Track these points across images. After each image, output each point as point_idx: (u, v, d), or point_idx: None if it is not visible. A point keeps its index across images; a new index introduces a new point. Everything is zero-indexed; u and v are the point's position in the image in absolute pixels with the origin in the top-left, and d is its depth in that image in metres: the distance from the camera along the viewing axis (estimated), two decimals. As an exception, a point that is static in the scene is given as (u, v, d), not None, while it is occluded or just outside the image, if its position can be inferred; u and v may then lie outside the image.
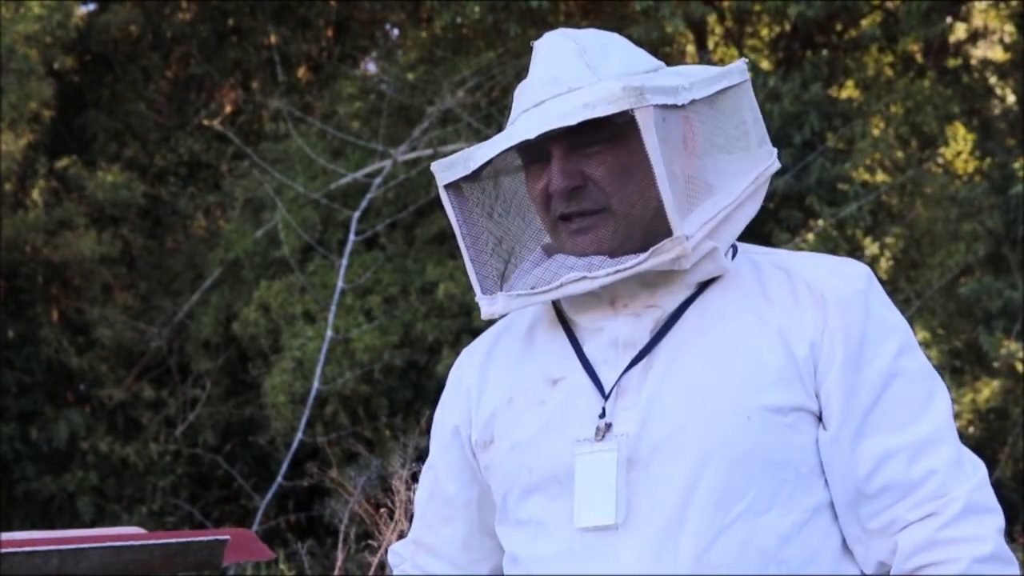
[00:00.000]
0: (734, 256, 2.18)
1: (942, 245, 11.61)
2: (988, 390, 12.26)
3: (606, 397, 2.09)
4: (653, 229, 2.07)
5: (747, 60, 2.30)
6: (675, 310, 2.12)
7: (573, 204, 2.10)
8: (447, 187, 2.17)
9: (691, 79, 2.14)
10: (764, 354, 2.07)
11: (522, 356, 2.22)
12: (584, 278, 2.07)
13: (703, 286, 2.13)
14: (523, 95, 2.16)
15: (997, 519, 2.05)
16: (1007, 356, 11.24)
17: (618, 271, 2.06)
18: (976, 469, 2.07)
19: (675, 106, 2.09)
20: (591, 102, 2.03)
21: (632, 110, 2.02)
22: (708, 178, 2.15)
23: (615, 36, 2.21)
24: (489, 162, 2.14)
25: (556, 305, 2.21)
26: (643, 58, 2.19)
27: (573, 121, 2.04)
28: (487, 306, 2.17)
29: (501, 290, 2.17)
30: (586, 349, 2.14)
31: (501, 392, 2.20)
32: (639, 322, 2.12)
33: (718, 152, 2.19)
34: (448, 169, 2.16)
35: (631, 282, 2.10)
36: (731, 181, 2.17)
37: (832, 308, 2.08)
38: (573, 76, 2.11)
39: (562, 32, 2.19)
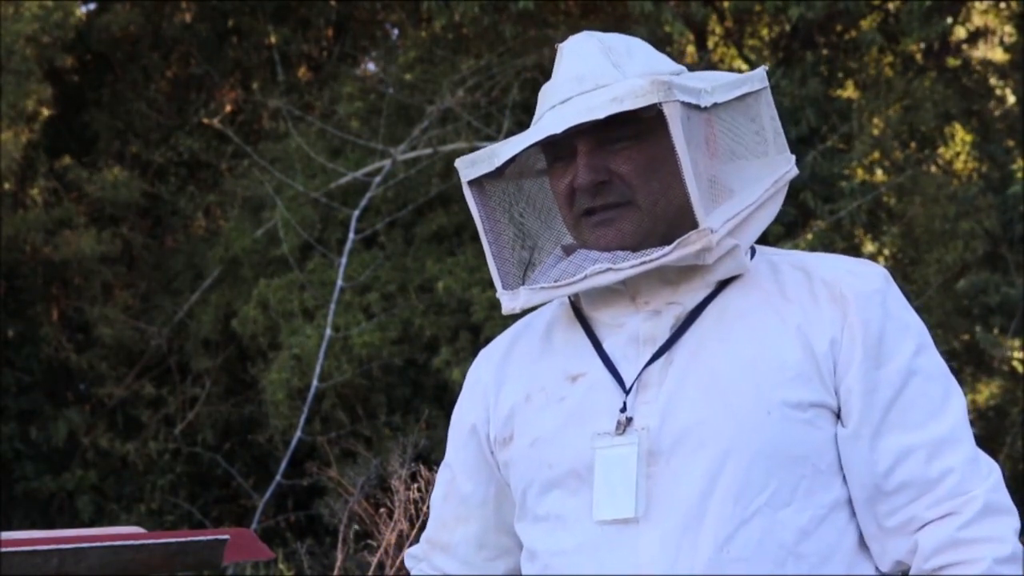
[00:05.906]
0: (752, 257, 2.20)
1: (940, 244, 11.60)
2: (987, 390, 12.26)
3: (627, 392, 2.10)
4: (676, 224, 2.09)
5: (766, 67, 2.32)
6: (695, 307, 2.14)
7: (598, 199, 2.11)
8: (470, 183, 2.17)
9: (713, 83, 2.17)
10: (783, 351, 2.08)
11: (540, 354, 2.22)
12: (609, 270, 2.08)
13: (722, 285, 2.15)
14: (548, 94, 2.18)
15: (1014, 520, 2.07)
16: (1006, 354, 11.24)
17: (643, 263, 2.07)
18: (992, 469, 2.09)
19: (698, 107, 2.11)
20: (619, 96, 2.05)
21: (660, 104, 2.03)
22: (729, 181, 2.18)
23: (638, 40, 2.23)
24: (513, 159, 2.15)
25: (575, 304, 2.22)
26: (665, 61, 2.22)
27: (601, 115, 2.05)
28: (508, 301, 2.17)
29: (523, 285, 2.17)
30: (606, 345, 2.15)
31: (519, 389, 2.21)
32: (660, 319, 2.13)
33: (738, 157, 2.22)
34: (472, 166, 2.17)
35: (653, 278, 2.12)
36: (750, 186, 2.19)
37: (851, 306, 2.10)
38: (599, 74, 2.13)
39: (588, 33, 2.21)
